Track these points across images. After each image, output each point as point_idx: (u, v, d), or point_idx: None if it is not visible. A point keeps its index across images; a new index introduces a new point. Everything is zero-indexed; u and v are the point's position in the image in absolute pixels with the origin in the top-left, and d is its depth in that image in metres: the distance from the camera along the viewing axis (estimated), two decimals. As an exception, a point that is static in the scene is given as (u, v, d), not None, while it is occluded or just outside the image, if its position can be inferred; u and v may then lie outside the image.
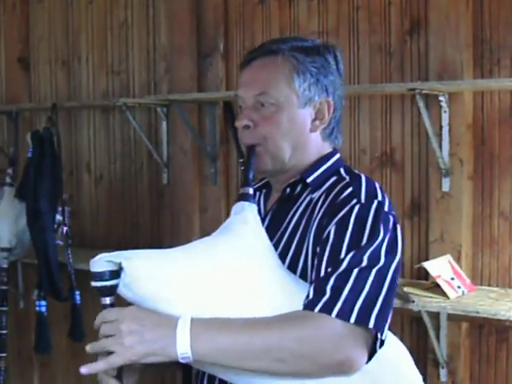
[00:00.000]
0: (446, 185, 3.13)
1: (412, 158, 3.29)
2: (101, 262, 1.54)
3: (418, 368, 1.80)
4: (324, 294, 1.54)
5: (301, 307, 1.57)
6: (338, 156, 1.92)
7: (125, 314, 1.53)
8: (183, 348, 1.49)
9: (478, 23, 3.12)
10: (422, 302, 2.89)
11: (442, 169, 3.12)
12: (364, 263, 1.57)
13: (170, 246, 3.89)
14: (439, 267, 3.01)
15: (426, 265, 3.01)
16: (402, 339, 1.79)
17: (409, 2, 3.27)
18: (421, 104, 3.00)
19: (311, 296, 1.56)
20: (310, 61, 1.83)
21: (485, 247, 3.15)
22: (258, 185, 2.02)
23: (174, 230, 4.01)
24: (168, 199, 4.08)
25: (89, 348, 1.54)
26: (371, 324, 1.52)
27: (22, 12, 4.68)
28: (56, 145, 3.88)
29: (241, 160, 3.72)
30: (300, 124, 1.84)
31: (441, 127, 3.14)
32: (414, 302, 2.87)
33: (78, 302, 3.85)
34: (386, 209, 1.70)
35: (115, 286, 1.55)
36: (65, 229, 3.89)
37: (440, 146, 3.12)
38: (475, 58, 3.13)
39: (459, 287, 2.95)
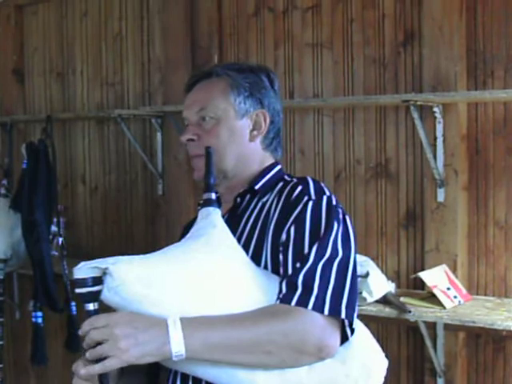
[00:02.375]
0: (440, 195, 3.16)
1: (407, 169, 3.31)
2: (83, 269, 1.58)
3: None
4: (296, 288, 1.66)
5: (274, 300, 1.69)
6: (279, 167, 2.05)
7: (115, 319, 1.57)
8: (177, 346, 1.56)
9: (471, 35, 3.14)
10: (419, 312, 2.91)
11: (436, 179, 3.14)
12: (326, 256, 1.71)
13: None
14: (435, 277, 3.02)
15: (422, 275, 3.03)
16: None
17: (402, 14, 3.30)
18: (415, 115, 3.02)
19: (284, 291, 1.68)
20: (243, 77, 1.99)
21: (480, 257, 3.17)
22: None
23: (169, 240, 3.95)
24: (163, 210, 4.08)
25: (88, 356, 1.57)
26: (343, 315, 1.66)
27: (16, 23, 4.69)
28: (51, 156, 3.89)
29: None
30: (239, 134, 1.97)
31: (435, 138, 3.16)
32: (410, 312, 2.89)
33: (74, 312, 3.85)
34: (334, 202, 1.83)
35: (99, 292, 1.59)
36: (60, 240, 3.90)
37: (435, 157, 3.14)
38: (469, 70, 3.15)
39: (455, 297, 2.97)
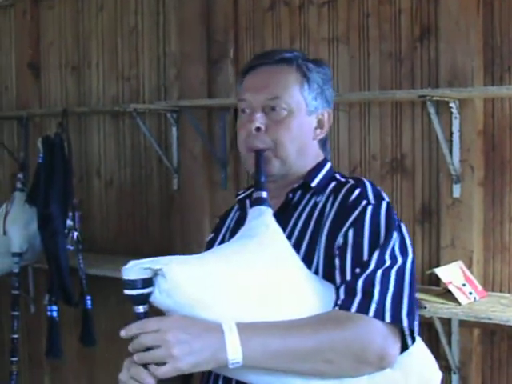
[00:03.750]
0: (456, 191, 3.14)
1: (423, 164, 3.29)
2: (134, 270, 1.51)
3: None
4: (355, 294, 1.60)
5: (330, 307, 1.63)
6: (330, 164, 1.98)
7: (168, 324, 1.50)
8: (234, 354, 1.49)
9: (488, 30, 3.12)
10: (434, 308, 2.89)
11: (452, 175, 3.13)
12: (387, 263, 1.65)
13: (180, 251, 3.92)
14: (450, 273, 3.01)
15: (438, 271, 3.02)
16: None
17: (419, 8, 3.28)
18: (431, 110, 3.01)
19: (343, 296, 1.62)
20: (318, 71, 1.92)
21: (496, 253, 3.15)
22: (246, 193, 2.04)
23: (184, 234, 4.02)
24: (178, 204, 4.09)
25: (137, 360, 1.50)
26: (405, 323, 1.60)
27: (32, 18, 4.69)
28: (66, 150, 3.90)
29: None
30: (306, 131, 1.90)
31: (451, 133, 3.14)
32: (425, 308, 2.87)
33: (89, 306, 3.87)
34: (392, 210, 1.79)
35: (149, 295, 1.52)
36: (75, 234, 3.90)
37: (450, 153, 3.13)
38: (485, 65, 3.13)
39: (471, 293, 2.96)
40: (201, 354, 1.48)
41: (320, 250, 1.74)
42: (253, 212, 1.77)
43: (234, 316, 1.53)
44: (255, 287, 1.58)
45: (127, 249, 4.32)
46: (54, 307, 3.86)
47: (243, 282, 1.57)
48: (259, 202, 1.77)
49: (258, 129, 1.85)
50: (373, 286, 1.61)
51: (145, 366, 1.50)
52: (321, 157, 1.97)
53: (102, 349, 4.35)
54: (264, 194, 1.77)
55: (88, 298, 3.86)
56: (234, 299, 1.55)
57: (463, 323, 3.10)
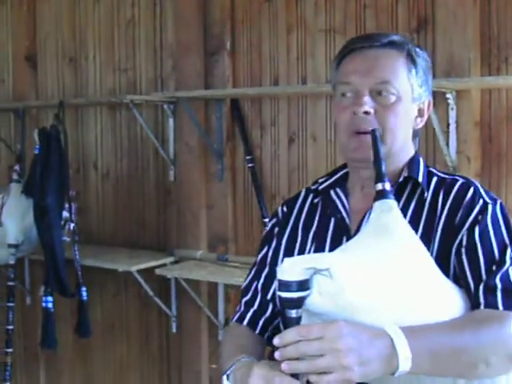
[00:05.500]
0: (453, 182, 3.13)
1: (419, 155, 3.28)
2: (293, 269, 1.40)
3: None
4: (496, 292, 1.59)
5: (463, 307, 1.60)
6: (421, 157, 1.93)
7: (335, 331, 1.38)
8: (405, 362, 1.40)
9: (485, 20, 3.12)
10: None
11: (449, 166, 3.12)
12: None
13: (176, 243, 3.92)
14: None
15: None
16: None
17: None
18: (428, 101, 3.01)
19: (484, 295, 1.60)
20: (424, 58, 1.88)
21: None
22: (328, 183, 1.97)
23: (181, 226, 4.02)
24: (174, 196, 4.09)
25: (288, 368, 1.39)
26: None
27: (28, 9, 4.67)
28: (63, 142, 3.90)
29: (248, 157, 3.74)
30: (410, 118, 1.86)
31: (448, 124, 3.14)
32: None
33: (85, 298, 3.87)
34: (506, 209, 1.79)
35: (305, 297, 1.40)
36: (71, 225, 3.91)
37: (447, 144, 3.13)
38: (483, 56, 3.13)
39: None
40: (371, 364, 1.39)
41: (433, 250, 1.71)
42: (381, 206, 1.62)
43: (394, 319, 1.46)
44: (407, 290, 1.52)
45: (123, 240, 4.31)
46: (50, 298, 3.87)
47: (398, 285, 1.51)
48: (384, 194, 1.63)
49: (367, 113, 1.78)
50: (510, 281, 1.61)
51: (295, 376, 1.40)
52: (413, 150, 1.92)
53: (98, 340, 4.36)
54: (387, 186, 1.64)
55: (83, 289, 3.86)
56: (391, 303, 1.48)
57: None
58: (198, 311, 3.93)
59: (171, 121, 4.05)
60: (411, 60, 1.83)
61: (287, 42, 3.66)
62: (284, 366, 1.39)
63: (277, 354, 1.41)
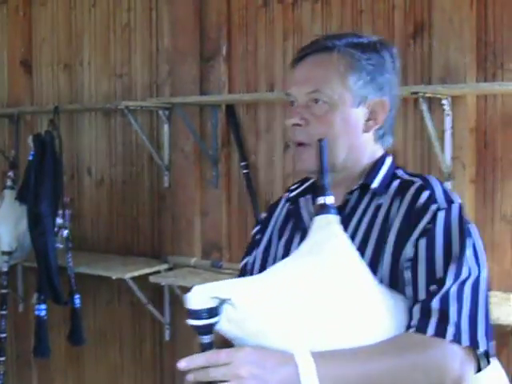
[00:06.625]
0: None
1: (414, 161, 3.27)
2: (200, 299, 1.40)
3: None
4: (430, 315, 1.51)
5: (403, 324, 1.53)
6: (391, 159, 1.85)
7: (241, 357, 1.39)
8: None
9: (481, 26, 3.11)
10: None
11: (444, 172, 3.10)
12: (462, 276, 1.55)
13: (171, 249, 3.88)
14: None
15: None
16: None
17: (413, 5, 3.26)
18: (423, 107, 2.99)
19: (418, 318, 1.52)
20: (366, 58, 1.75)
21: (486, 251, 3.08)
22: (299, 190, 1.93)
23: (175, 233, 4.00)
24: (169, 202, 4.06)
25: None
26: (482, 346, 1.51)
27: (24, 15, 4.67)
28: (57, 148, 3.87)
29: (243, 163, 3.71)
30: (353, 124, 1.76)
31: (443, 131, 3.12)
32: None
33: (78, 305, 3.84)
34: (463, 212, 1.68)
35: (215, 324, 1.41)
36: (65, 232, 3.87)
37: (442, 150, 3.11)
38: (478, 62, 3.12)
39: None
40: None
41: (386, 259, 1.64)
42: (319, 221, 1.58)
43: (308, 344, 1.43)
44: (329, 312, 1.46)
45: (117, 247, 4.29)
46: (43, 306, 3.83)
47: (316, 307, 1.46)
48: (324, 209, 1.57)
49: (297, 124, 1.75)
50: (448, 305, 1.51)
51: None
52: (379, 152, 1.83)
53: (91, 348, 4.33)
54: (329, 199, 1.58)
55: (77, 296, 3.83)
56: (307, 326, 1.44)
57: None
58: (192, 319, 3.89)
59: (166, 127, 4.03)
60: (348, 63, 1.74)
61: (283, 48, 3.64)
62: None
63: (189, 377, 1.42)
